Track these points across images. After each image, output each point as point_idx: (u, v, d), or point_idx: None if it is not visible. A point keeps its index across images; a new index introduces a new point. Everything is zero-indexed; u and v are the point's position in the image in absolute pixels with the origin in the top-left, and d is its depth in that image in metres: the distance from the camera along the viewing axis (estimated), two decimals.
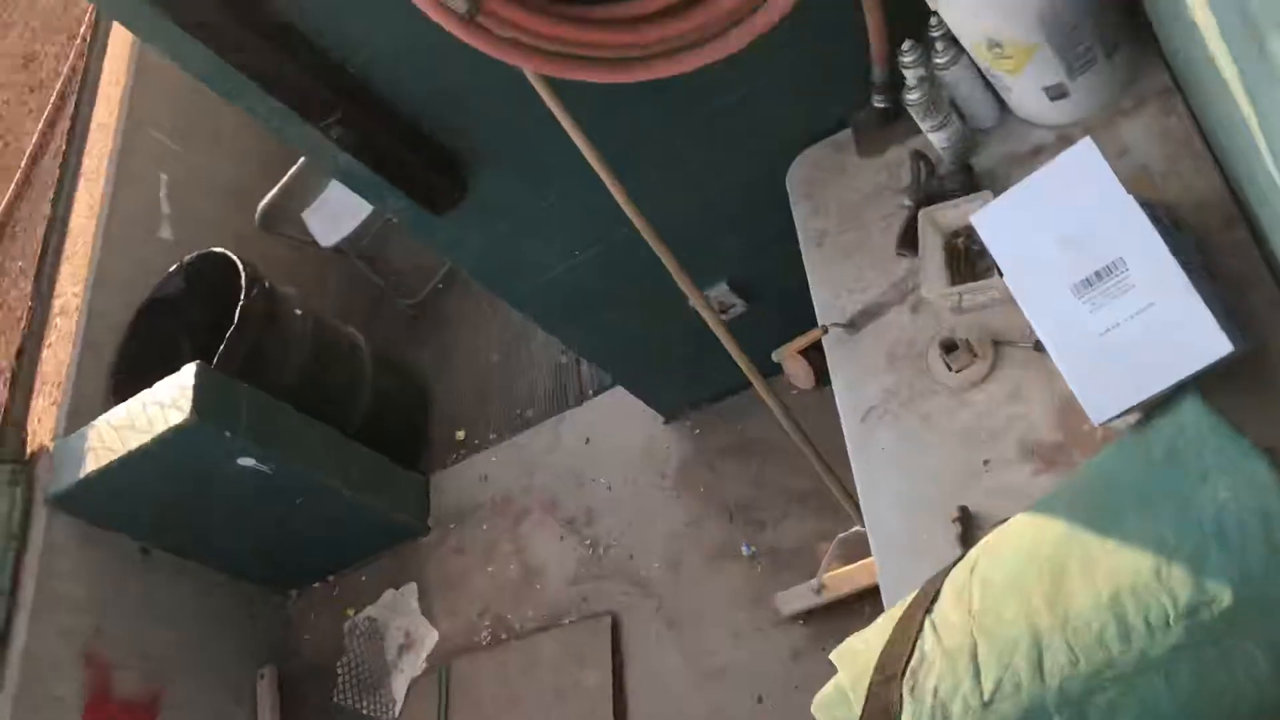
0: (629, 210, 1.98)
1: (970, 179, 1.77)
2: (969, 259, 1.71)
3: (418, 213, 2.13)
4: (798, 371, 2.68)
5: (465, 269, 2.64)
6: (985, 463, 1.57)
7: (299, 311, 3.55)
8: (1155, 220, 1.30)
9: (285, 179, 3.69)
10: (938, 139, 1.79)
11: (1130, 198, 1.30)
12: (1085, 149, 1.32)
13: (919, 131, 1.83)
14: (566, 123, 1.84)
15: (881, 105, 1.91)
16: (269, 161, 3.91)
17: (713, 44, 1.73)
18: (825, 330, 1.83)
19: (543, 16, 1.65)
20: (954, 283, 1.68)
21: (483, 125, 2.03)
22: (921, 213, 1.73)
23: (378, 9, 1.72)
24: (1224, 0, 0.55)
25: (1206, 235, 1.50)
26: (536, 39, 1.69)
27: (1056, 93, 1.67)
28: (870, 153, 1.97)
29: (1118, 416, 1.33)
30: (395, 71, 1.91)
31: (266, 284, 3.44)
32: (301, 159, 3.58)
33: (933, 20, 1.70)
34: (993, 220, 1.40)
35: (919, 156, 1.84)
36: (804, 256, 1.97)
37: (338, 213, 3.82)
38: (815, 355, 1.94)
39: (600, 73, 1.75)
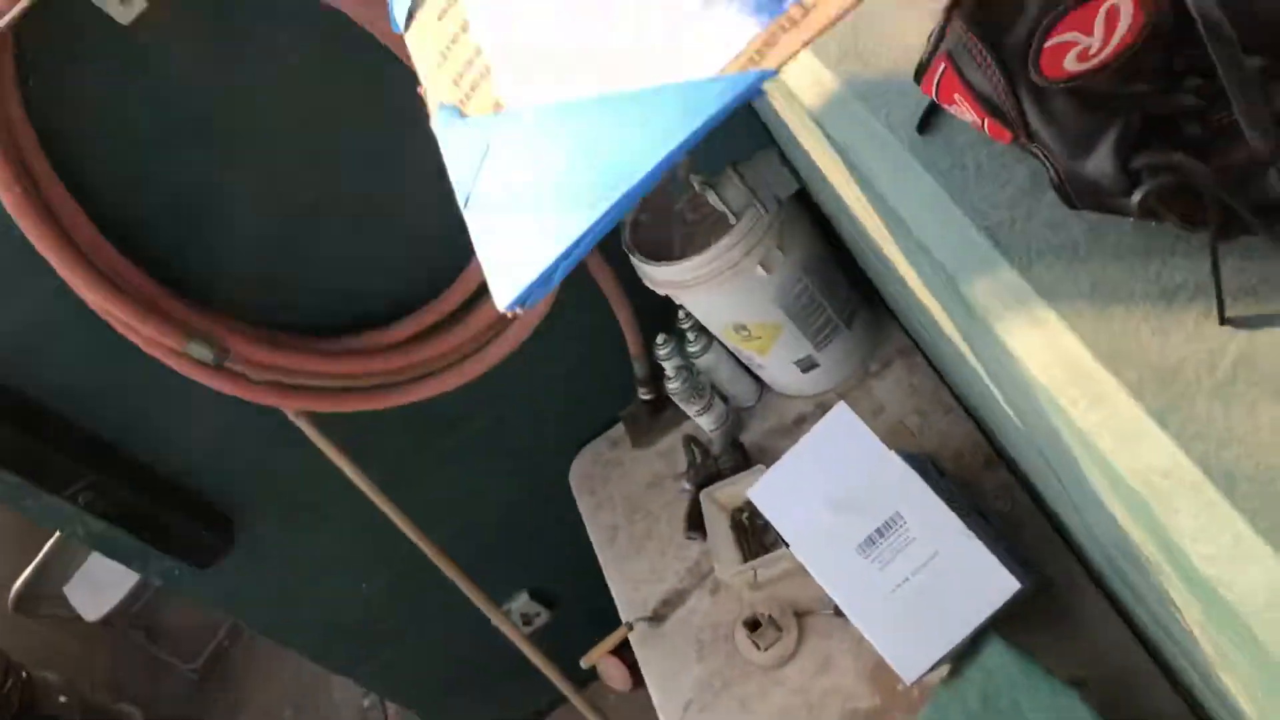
0: (413, 534, 1.91)
1: (743, 456, 1.80)
2: (756, 533, 1.71)
3: (184, 570, 1.98)
4: (613, 674, 2.58)
5: (245, 621, 2.46)
6: None
7: (64, 699, 3.21)
8: (922, 472, 1.34)
9: (40, 557, 3.42)
10: (705, 422, 1.83)
11: (892, 453, 1.34)
12: (841, 413, 1.37)
13: (687, 418, 1.86)
14: (337, 458, 1.79)
15: (648, 398, 1.95)
16: (24, 537, 3.63)
17: (467, 363, 1.75)
18: (630, 627, 1.77)
19: (295, 353, 1.63)
20: (746, 559, 1.67)
21: (243, 471, 1.95)
22: (703, 494, 1.74)
23: (120, 370, 1.66)
24: (919, 254, 0.57)
25: (972, 479, 1.55)
26: (294, 376, 1.66)
27: (807, 365, 1.74)
28: (643, 444, 1.99)
29: (928, 672, 1.32)
30: (146, 430, 1.82)
31: (24, 674, 3.11)
32: (57, 533, 3.34)
33: (680, 313, 1.77)
34: (768, 493, 1.41)
35: (691, 441, 1.87)
36: (598, 554, 1.93)
37: (102, 583, 3.55)
38: (629, 654, 1.87)
39: (363, 401, 1.72)
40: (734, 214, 1.46)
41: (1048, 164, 0.42)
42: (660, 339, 1.80)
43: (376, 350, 1.67)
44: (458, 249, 1.71)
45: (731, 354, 1.81)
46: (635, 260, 1.65)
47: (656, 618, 1.77)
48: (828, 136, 0.62)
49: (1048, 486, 1.28)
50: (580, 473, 2.08)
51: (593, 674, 2.58)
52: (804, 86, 0.64)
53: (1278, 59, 0.37)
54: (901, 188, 0.56)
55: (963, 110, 0.46)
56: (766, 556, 1.63)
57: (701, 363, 1.80)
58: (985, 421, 1.54)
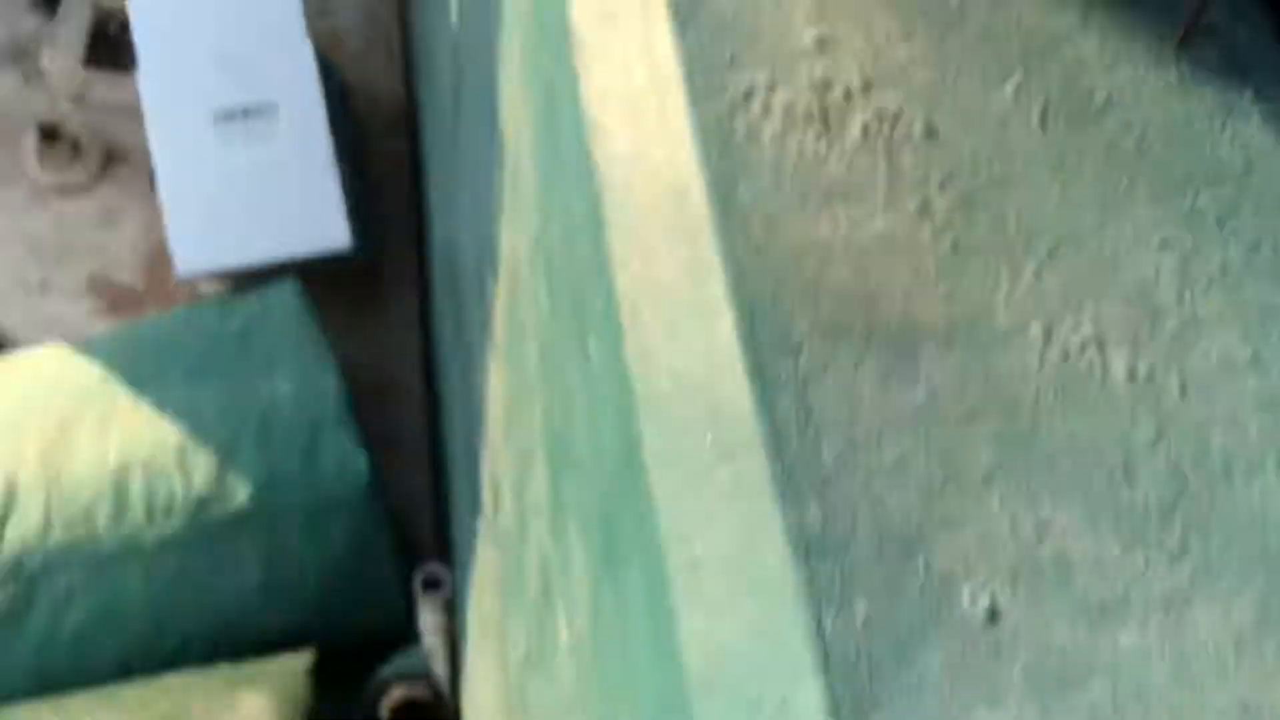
0: None
1: None
2: (116, 47, 1.41)
3: None
4: None
5: None
6: (42, 282, 1.29)
7: None
8: (326, 84, 1.16)
9: None
10: None
11: (309, 46, 1.14)
12: None
13: None
14: None
15: None
16: None
17: None
18: None
19: None
20: (88, 65, 1.38)
21: None
22: None
23: None
24: None
25: (369, 132, 1.41)
26: None
27: None
28: None
29: (207, 274, 1.16)
30: None
31: None
32: None
33: None
34: (152, 4, 1.14)
35: None
36: None
37: None
38: None
39: None
40: None
41: None
42: None
43: None
44: None
45: None
46: None
47: None
48: None
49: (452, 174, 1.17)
50: None
51: None
52: None
53: None
54: None
55: None
56: (110, 75, 1.35)
57: None
58: (416, 86, 1.39)
